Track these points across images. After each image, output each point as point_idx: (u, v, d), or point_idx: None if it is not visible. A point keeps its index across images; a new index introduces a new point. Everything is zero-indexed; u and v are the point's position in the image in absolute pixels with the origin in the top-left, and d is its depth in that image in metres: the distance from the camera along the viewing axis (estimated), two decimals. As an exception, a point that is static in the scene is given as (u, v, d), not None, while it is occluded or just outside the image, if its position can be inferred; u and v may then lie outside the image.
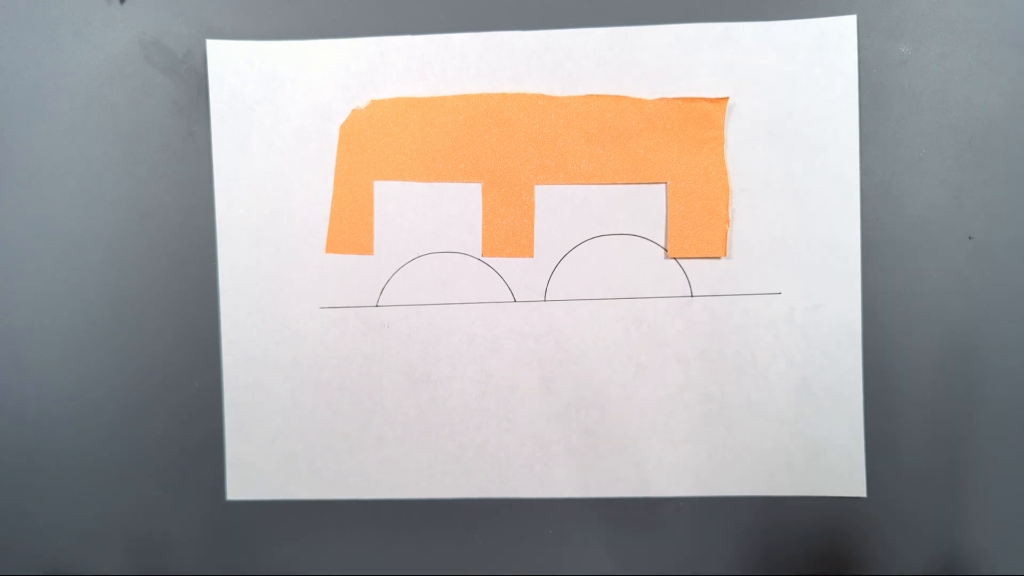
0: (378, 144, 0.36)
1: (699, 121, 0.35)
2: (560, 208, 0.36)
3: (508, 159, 0.36)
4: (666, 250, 0.36)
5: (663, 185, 0.36)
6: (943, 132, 0.35)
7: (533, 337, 0.36)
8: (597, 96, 0.36)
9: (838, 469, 0.36)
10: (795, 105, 0.35)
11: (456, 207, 0.36)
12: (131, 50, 0.37)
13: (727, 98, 0.35)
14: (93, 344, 0.37)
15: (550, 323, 0.36)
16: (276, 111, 0.37)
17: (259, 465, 0.37)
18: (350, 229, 0.37)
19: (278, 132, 0.37)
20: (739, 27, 0.35)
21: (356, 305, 0.37)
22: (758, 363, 0.36)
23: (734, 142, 0.36)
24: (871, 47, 0.35)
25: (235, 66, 0.37)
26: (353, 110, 0.36)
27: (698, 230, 0.36)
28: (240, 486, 0.37)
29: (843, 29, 0.35)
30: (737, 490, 0.36)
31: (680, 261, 0.36)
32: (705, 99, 0.35)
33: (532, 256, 0.36)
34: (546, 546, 0.37)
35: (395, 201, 0.37)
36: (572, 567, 0.37)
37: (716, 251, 0.36)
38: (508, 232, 0.36)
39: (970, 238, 0.35)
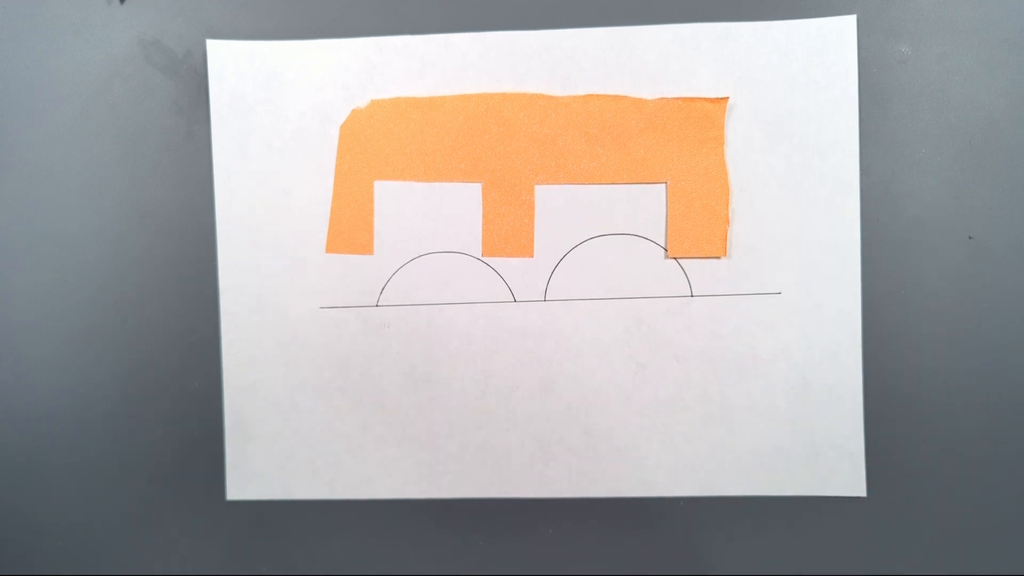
0: (378, 144, 0.36)
1: (699, 121, 0.35)
2: (560, 208, 0.36)
3: (508, 159, 0.36)
4: (666, 250, 0.36)
5: (663, 185, 0.36)
6: (943, 132, 0.35)
7: (533, 337, 0.36)
8: (597, 96, 0.36)
9: (838, 469, 0.36)
10: (795, 105, 0.35)
11: (456, 207, 0.36)
12: (131, 50, 0.37)
13: (727, 98, 0.35)
14: (93, 344, 0.37)
15: (550, 323, 0.36)
16: (276, 111, 0.37)
17: (259, 465, 0.37)
18: (350, 229, 0.37)
19: (278, 132, 0.37)
20: (739, 27, 0.35)
21: (356, 305, 0.37)
22: (758, 363, 0.36)
23: (734, 142, 0.36)
24: (871, 47, 0.35)
25: (235, 66, 0.37)
26: (353, 110, 0.36)
27: (698, 230, 0.36)
28: (240, 486, 0.37)
29: (843, 29, 0.35)
30: (737, 490, 0.36)
31: (680, 261, 0.36)
32: (705, 99, 0.35)
33: (532, 256, 0.36)
34: (546, 546, 0.37)
35: (395, 201, 0.37)
36: (572, 567, 0.37)
37: (716, 251, 0.36)
38: (508, 232, 0.36)
39: (970, 238, 0.35)
